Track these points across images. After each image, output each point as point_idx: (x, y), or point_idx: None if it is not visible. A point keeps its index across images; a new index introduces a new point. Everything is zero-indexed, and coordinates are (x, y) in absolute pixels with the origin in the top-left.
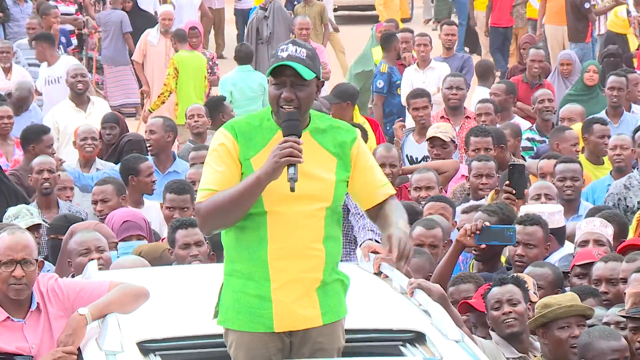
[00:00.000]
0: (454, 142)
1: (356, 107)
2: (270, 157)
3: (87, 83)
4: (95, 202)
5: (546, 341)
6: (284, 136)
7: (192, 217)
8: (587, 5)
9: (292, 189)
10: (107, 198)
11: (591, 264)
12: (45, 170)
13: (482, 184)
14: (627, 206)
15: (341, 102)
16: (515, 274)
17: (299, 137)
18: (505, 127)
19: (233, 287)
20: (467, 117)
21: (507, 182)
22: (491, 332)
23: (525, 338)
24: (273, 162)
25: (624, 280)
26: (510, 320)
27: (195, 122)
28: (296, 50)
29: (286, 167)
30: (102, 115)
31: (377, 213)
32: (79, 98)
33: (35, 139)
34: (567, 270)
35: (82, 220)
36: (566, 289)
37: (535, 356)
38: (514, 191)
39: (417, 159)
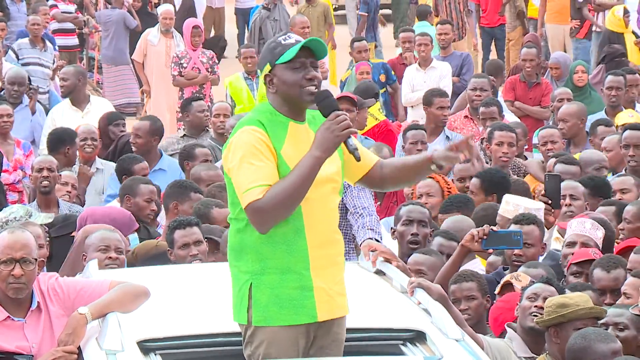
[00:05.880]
0: None
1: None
2: (325, 133)
3: (67, 89)
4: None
5: (558, 340)
6: (325, 114)
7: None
8: None
9: (358, 158)
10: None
11: (587, 262)
12: (45, 169)
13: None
14: None
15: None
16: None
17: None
18: (516, 127)
19: (269, 284)
20: None
21: (543, 192)
22: (507, 328)
23: (542, 340)
24: (334, 136)
25: (629, 270)
26: (538, 315)
27: (221, 122)
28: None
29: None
30: (100, 114)
31: (377, 177)
32: (76, 98)
33: (70, 141)
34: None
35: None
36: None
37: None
38: (549, 201)
39: None
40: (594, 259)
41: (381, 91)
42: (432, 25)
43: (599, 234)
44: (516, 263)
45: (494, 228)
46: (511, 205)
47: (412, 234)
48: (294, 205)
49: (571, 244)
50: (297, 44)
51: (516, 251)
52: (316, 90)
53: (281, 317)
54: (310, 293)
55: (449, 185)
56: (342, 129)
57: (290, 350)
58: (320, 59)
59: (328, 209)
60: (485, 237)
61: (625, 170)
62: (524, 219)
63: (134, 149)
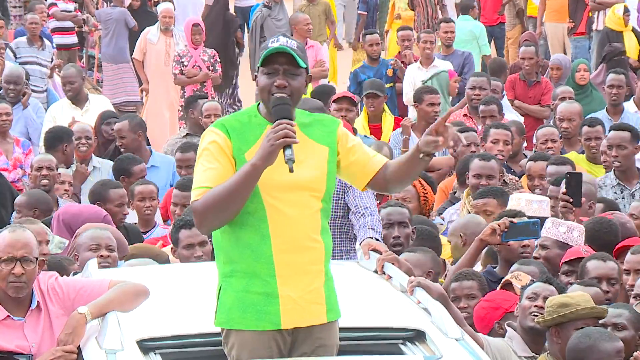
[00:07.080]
0: None
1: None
2: (264, 142)
3: (75, 91)
4: (142, 199)
5: (559, 340)
6: (274, 121)
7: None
8: None
9: (291, 170)
10: (154, 196)
11: (579, 259)
12: (44, 168)
13: (481, 184)
14: None
15: (382, 96)
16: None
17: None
18: (510, 125)
19: (235, 287)
20: None
21: (564, 190)
22: (507, 327)
23: (542, 340)
24: (268, 145)
25: (628, 272)
26: (539, 315)
27: (211, 122)
28: (287, 41)
29: (282, 150)
30: (98, 113)
31: (382, 179)
32: (75, 96)
33: (67, 138)
34: None
35: None
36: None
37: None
38: (571, 200)
39: None
40: (584, 257)
41: (387, 86)
42: (475, 19)
43: (575, 234)
44: (523, 255)
45: (514, 220)
46: (514, 199)
47: (393, 237)
48: (228, 210)
49: (543, 247)
50: (268, 49)
51: (524, 242)
52: (284, 97)
53: (243, 321)
54: (276, 300)
55: (425, 189)
56: (277, 138)
57: (263, 352)
58: (302, 67)
59: (303, 216)
60: (506, 229)
61: (613, 171)
62: (517, 214)
63: (122, 150)
